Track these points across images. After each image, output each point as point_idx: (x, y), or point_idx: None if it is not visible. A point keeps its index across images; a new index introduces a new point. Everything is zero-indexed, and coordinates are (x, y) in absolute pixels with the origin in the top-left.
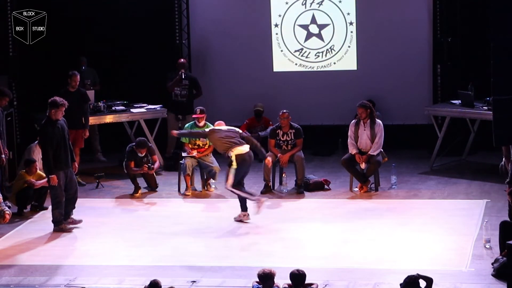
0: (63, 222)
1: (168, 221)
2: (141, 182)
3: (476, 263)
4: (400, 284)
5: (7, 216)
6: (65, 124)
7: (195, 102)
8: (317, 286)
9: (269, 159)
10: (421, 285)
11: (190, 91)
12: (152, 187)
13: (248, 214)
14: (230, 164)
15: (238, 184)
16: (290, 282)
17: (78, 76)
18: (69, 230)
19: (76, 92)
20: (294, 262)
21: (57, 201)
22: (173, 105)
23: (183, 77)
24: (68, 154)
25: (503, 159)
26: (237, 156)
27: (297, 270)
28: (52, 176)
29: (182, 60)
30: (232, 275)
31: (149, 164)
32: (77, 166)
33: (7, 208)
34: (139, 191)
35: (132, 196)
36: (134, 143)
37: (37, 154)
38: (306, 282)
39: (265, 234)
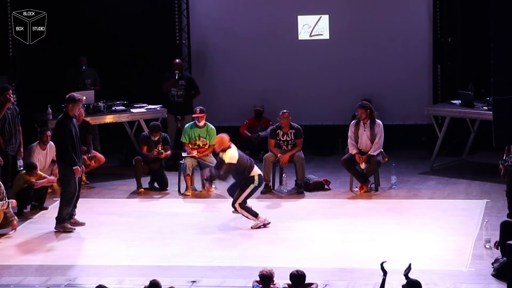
0: (65, 221)
1: (168, 221)
2: (145, 182)
3: (476, 263)
4: (402, 285)
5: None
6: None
7: (195, 101)
8: (317, 286)
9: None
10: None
11: (187, 91)
12: (163, 186)
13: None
14: (248, 184)
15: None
16: (290, 282)
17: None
18: (69, 230)
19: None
20: (294, 262)
21: (69, 198)
22: (171, 106)
23: (177, 77)
24: (79, 153)
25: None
26: (259, 175)
27: (297, 271)
28: (76, 167)
29: (177, 60)
30: (232, 275)
31: (160, 149)
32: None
33: (16, 219)
34: (141, 189)
35: (135, 193)
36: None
37: (38, 155)
38: (306, 282)
39: (265, 234)
